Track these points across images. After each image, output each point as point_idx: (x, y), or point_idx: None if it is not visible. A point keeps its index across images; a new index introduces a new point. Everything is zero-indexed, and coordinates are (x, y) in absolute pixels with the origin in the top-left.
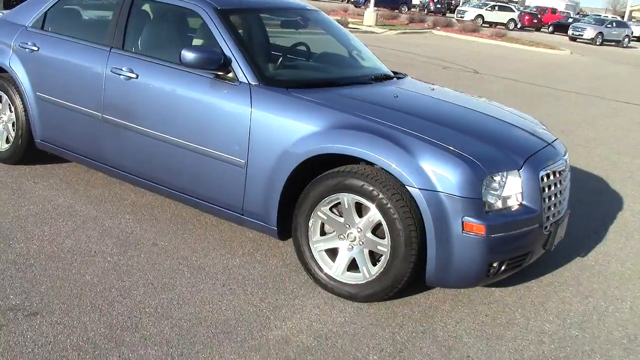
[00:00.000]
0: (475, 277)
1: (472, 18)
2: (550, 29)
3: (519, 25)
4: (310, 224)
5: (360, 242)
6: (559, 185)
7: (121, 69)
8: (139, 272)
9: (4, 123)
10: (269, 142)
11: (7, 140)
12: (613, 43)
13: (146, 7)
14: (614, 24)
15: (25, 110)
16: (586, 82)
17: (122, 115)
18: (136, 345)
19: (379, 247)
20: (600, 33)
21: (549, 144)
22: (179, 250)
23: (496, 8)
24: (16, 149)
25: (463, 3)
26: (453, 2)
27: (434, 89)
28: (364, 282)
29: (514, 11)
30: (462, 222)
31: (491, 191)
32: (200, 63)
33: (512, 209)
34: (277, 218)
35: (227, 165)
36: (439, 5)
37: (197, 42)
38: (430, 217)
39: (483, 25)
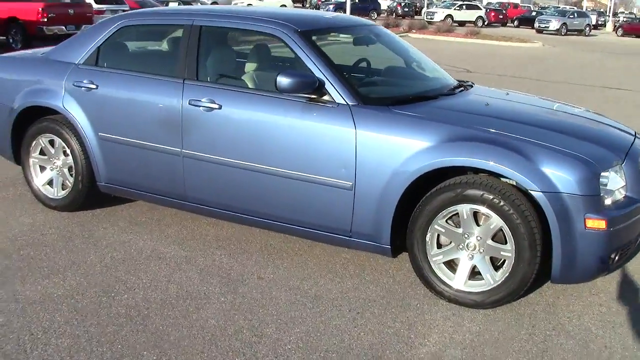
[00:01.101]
0: (598, 270)
1: (442, 18)
2: (516, 23)
3: (486, 22)
4: (427, 239)
5: (481, 250)
6: None
7: (200, 100)
8: (260, 309)
9: (58, 168)
10: (378, 162)
11: (64, 187)
12: (575, 32)
13: (218, 34)
14: (576, 15)
15: (85, 152)
16: (570, 72)
17: (206, 148)
18: None
19: (502, 253)
20: (564, 24)
21: (635, 136)
22: (288, 281)
23: (464, 7)
24: (77, 195)
25: (428, 5)
26: (417, 4)
27: (508, 94)
28: (489, 288)
29: (480, 9)
30: (585, 219)
31: (604, 187)
32: (297, 88)
33: (621, 201)
34: (390, 236)
35: (332, 189)
36: (406, 9)
37: (279, 66)
38: (554, 218)
39: (453, 24)
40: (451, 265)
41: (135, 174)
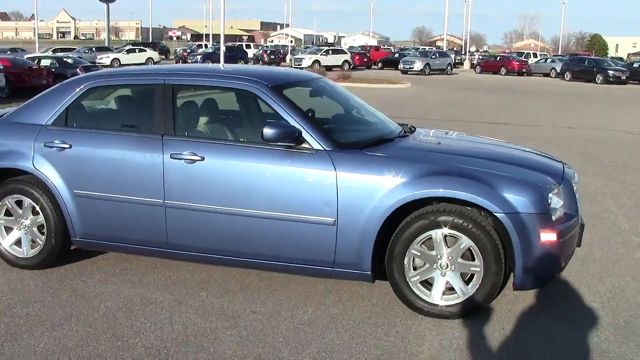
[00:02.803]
0: (550, 276)
1: (310, 64)
2: (380, 65)
3: (352, 66)
4: (405, 262)
5: (452, 268)
6: (577, 195)
7: (181, 154)
8: (267, 337)
9: (26, 228)
10: (358, 198)
11: (33, 245)
12: (438, 72)
13: (194, 91)
14: (437, 55)
15: (59, 209)
16: (446, 110)
17: (189, 197)
18: None
19: (471, 268)
20: (428, 64)
21: (564, 163)
22: (280, 312)
23: (330, 52)
24: (50, 252)
25: (292, 52)
26: (281, 51)
27: (448, 133)
28: (462, 300)
29: (346, 53)
30: (539, 233)
31: (551, 206)
32: (280, 137)
33: (563, 217)
34: (371, 263)
35: (316, 226)
36: (272, 56)
37: (252, 119)
38: (516, 234)
39: (320, 69)
40: (427, 283)
41: (113, 227)
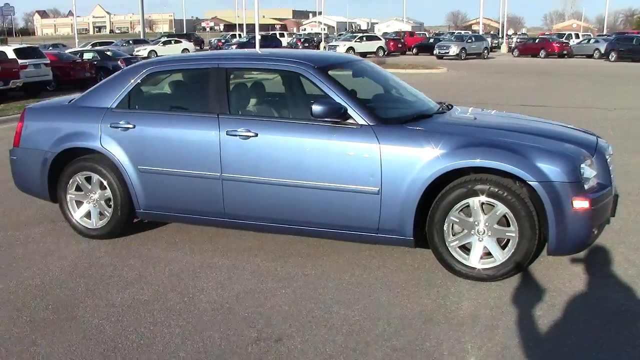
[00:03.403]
0: (583, 243)
1: (344, 51)
2: (415, 50)
3: (386, 52)
4: (445, 228)
5: (489, 234)
6: (611, 166)
7: (236, 131)
8: (319, 295)
9: (95, 201)
10: (400, 169)
11: (101, 217)
12: (474, 56)
13: (243, 73)
14: (473, 39)
15: (124, 184)
16: (482, 93)
17: (244, 170)
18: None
19: (506, 234)
20: (463, 49)
21: (597, 136)
22: (328, 275)
23: (364, 39)
24: (117, 223)
25: (325, 39)
26: (315, 39)
27: (483, 110)
28: (499, 263)
29: (380, 39)
30: (572, 201)
31: (583, 175)
32: (328, 113)
33: (596, 187)
34: (413, 229)
35: (362, 195)
36: (306, 44)
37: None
38: (549, 201)
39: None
40: (465, 248)
41: (174, 199)
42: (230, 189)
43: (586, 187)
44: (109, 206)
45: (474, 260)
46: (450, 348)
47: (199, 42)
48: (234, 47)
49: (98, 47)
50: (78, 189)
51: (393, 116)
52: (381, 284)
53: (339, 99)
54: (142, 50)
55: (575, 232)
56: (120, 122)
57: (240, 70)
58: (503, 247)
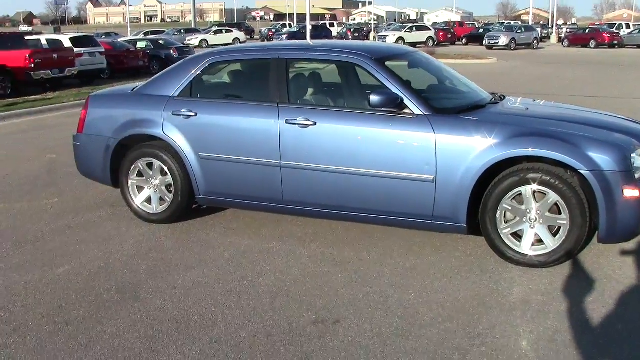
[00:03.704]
0: (633, 231)
1: (394, 41)
2: (464, 41)
3: (436, 42)
4: (497, 216)
5: (540, 221)
6: None
7: (295, 119)
8: (374, 279)
9: (156, 187)
10: (455, 158)
11: (161, 202)
12: (524, 46)
13: (303, 64)
14: (523, 29)
15: (185, 170)
16: (533, 84)
17: (303, 158)
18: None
19: (558, 222)
20: (513, 39)
21: None
22: (383, 260)
23: (414, 29)
24: (177, 208)
25: (375, 29)
26: (365, 29)
27: (535, 101)
28: (550, 250)
29: (430, 29)
30: (622, 190)
31: (634, 165)
32: (385, 104)
33: None
34: (466, 217)
35: (417, 183)
36: (356, 34)
37: (358, 88)
38: (600, 190)
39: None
40: (517, 235)
41: (233, 186)
42: (289, 176)
43: (637, 176)
44: (170, 192)
45: (526, 247)
46: (502, 332)
47: (250, 32)
48: (284, 36)
49: (150, 36)
50: (139, 174)
51: (448, 106)
52: (435, 269)
53: (395, 89)
54: (194, 39)
55: (625, 221)
56: (183, 110)
57: (299, 60)
58: (554, 235)
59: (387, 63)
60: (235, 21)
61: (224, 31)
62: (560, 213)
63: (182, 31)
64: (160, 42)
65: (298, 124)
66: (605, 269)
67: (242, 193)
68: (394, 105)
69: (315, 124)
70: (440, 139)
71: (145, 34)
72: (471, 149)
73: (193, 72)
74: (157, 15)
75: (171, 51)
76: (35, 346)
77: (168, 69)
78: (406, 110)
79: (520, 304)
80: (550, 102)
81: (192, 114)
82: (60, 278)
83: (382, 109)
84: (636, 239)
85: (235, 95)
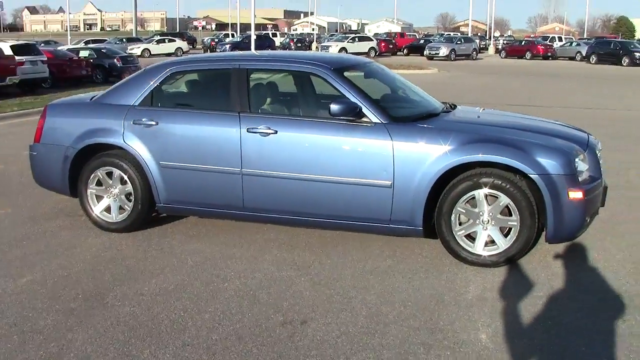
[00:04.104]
0: (577, 230)
1: (337, 52)
2: (405, 51)
3: (377, 52)
4: (452, 219)
5: (492, 223)
6: (601, 160)
7: (257, 128)
8: (336, 282)
9: (115, 195)
10: (412, 164)
11: (121, 211)
12: (463, 57)
13: (263, 75)
14: (462, 41)
15: (145, 179)
16: (475, 93)
17: (264, 166)
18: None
19: (509, 223)
20: (453, 50)
21: (588, 134)
22: (344, 264)
23: (356, 39)
24: (138, 216)
25: (317, 39)
26: (307, 39)
27: (484, 110)
28: (502, 250)
29: (372, 40)
30: (568, 192)
31: (577, 169)
32: (344, 112)
33: (588, 179)
34: (422, 220)
35: (376, 188)
36: (299, 44)
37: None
38: (547, 192)
39: None
40: (470, 237)
41: (195, 193)
42: (250, 183)
43: (580, 179)
44: (129, 200)
45: (479, 248)
46: (462, 326)
47: (192, 41)
48: (227, 46)
49: (93, 45)
50: (99, 183)
51: (404, 115)
52: (393, 271)
53: (354, 98)
54: (136, 49)
55: (570, 221)
56: (143, 119)
57: (260, 71)
58: (505, 236)
59: (345, 73)
60: (178, 30)
61: (166, 40)
62: (511, 215)
63: (124, 40)
64: (104, 51)
65: (259, 132)
66: (552, 267)
67: (204, 200)
68: (353, 114)
69: (276, 132)
70: (398, 146)
71: (86, 42)
72: (427, 156)
73: (153, 81)
74: (96, 23)
75: (115, 60)
76: (5, 357)
77: (128, 78)
78: (365, 119)
79: (476, 301)
80: (497, 110)
81: (153, 122)
82: (24, 289)
83: (342, 117)
84: (580, 237)
85: (196, 105)
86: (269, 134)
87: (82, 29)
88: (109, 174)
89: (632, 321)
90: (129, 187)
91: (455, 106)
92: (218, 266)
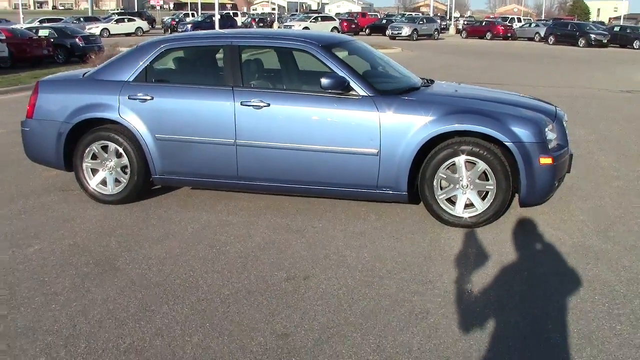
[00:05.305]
0: (547, 193)
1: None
2: (367, 31)
3: (340, 32)
4: (434, 183)
5: (471, 187)
6: (567, 130)
7: (250, 101)
8: (329, 243)
9: (110, 168)
10: (397, 133)
11: (117, 184)
12: (425, 37)
13: (255, 51)
14: (424, 21)
15: (141, 152)
16: (438, 72)
17: (257, 137)
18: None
19: (486, 187)
20: (415, 30)
21: (555, 106)
22: (334, 227)
23: (319, 19)
24: (133, 188)
25: (278, 19)
26: (268, 19)
27: (461, 84)
28: (480, 212)
29: (335, 20)
30: (539, 158)
31: (547, 137)
32: (333, 86)
33: (556, 147)
34: (407, 186)
35: (363, 156)
36: (261, 24)
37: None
38: (521, 159)
39: None
40: (451, 201)
41: (189, 165)
42: (244, 153)
43: (549, 147)
44: (125, 173)
45: (459, 210)
46: (449, 278)
47: (151, 21)
48: (189, 26)
49: (52, 24)
50: (94, 157)
51: (389, 88)
52: (381, 232)
53: (342, 73)
54: (95, 28)
55: (541, 185)
56: (139, 94)
57: (251, 47)
58: (483, 199)
59: (333, 50)
60: (136, 9)
61: (125, 20)
62: (487, 180)
63: (82, 19)
64: (65, 30)
65: (253, 105)
66: (527, 227)
67: (199, 171)
68: (342, 88)
69: (268, 105)
70: (384, 117)
71: (41, 21)
72: (411, 126)
73: (147, 57)
74: (47, 1)
75: (77, 40)
76: (33, 316)
77: (121, 54)
78: (352, 92)
79: (460, 257)
80: (471, 85)
81: (148, 97)
82: (34, 257)
83: (331, 90)
84: (549, 200)
85: (190, 80)
86: (262, 106)
87: (32, 7)
88: (104, 148)
89: (596, 269)
90: (124, 160)
91: (433, 81)
92: (217, 232)
